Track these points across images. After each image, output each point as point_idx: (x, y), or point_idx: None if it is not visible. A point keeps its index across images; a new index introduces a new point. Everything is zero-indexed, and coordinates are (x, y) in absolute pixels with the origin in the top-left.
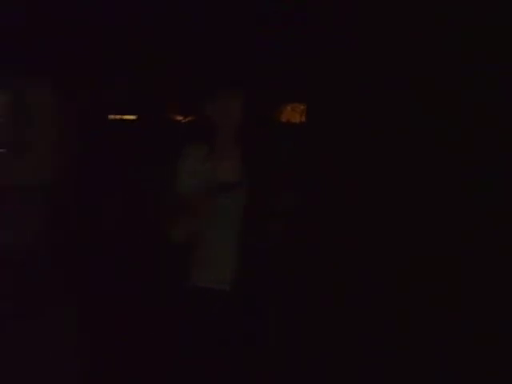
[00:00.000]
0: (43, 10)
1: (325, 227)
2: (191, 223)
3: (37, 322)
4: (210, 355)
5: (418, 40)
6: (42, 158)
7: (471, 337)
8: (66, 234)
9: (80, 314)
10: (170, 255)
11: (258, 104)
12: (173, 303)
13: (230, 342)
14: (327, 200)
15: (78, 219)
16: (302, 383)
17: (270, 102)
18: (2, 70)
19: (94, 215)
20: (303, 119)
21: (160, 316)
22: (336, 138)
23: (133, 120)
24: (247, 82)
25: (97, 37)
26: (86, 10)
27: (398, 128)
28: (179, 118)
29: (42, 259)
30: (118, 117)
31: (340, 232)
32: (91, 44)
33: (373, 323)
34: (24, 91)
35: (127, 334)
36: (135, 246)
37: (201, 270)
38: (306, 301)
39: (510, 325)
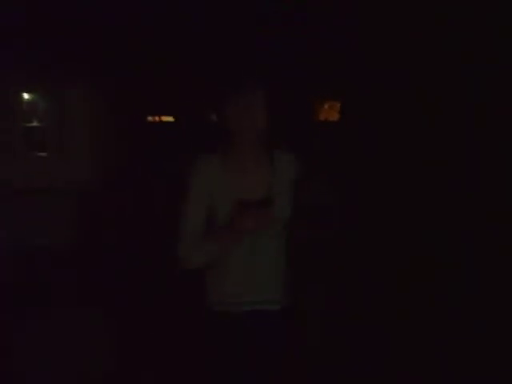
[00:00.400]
0: (69, 21)
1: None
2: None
3: None
4: None
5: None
6: (83, 161)
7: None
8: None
9: None
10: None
11: (283, 103)
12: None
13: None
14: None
15: (117, 222)
16: None
17: (295, 99)
18: (44, 77)
19: (134, 218)
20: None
21: None
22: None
23: (168, 122)
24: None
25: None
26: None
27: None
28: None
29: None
30: (155, 119)
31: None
32: (129, 50)
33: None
34: (64, 97)
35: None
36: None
37: (224, 292)
38: None
39: None
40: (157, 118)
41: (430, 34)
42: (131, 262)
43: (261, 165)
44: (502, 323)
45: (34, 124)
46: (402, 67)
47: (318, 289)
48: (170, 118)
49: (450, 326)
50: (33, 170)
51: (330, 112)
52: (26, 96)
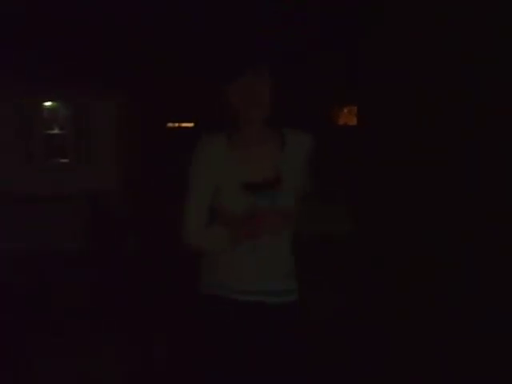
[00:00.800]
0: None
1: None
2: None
3: None
4: None
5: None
6: (104, 167)
7: None
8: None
9: None
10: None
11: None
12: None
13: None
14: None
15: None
16: None
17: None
18: (65, 85)
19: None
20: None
21: None
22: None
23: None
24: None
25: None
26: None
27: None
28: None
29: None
30: (174, 125)
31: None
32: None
33: None
34: (86, 104)
35: None
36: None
37: (229, 281)
38: None
39: None
40: (176, 124)
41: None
42: (152, 266)
43: (269, 144)
44: (502, 323)
45: (55, 131)
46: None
47: (319, 287)
48: (189, 124)
49: (449, 326)
50: (54, 176)
51: (349, 116)
52: (46, 103)
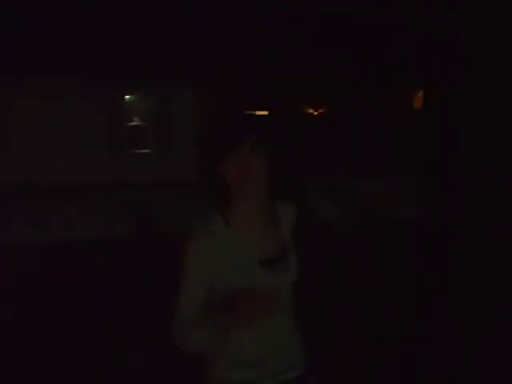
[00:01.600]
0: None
1: None
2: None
3: None
4: None
5: None
6: (183, 158)
7: None
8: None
9: None
10: None
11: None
12: None
13: None
14: None
15: None
16: None
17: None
18: (147, 78)
19: None
20: None
21: None
22: None
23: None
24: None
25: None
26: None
27: None
28: None
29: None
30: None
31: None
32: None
33: None
34: (166, 96)
35: None
36: None
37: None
38: None
39: None
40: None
41: None
42: None
43: (266, 219)
44: (503, 323)
45: (136, 123)
46: None
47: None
48: (264, 112)
49: (449, 325)
50: (136, 166)
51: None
52: (127, 96)
